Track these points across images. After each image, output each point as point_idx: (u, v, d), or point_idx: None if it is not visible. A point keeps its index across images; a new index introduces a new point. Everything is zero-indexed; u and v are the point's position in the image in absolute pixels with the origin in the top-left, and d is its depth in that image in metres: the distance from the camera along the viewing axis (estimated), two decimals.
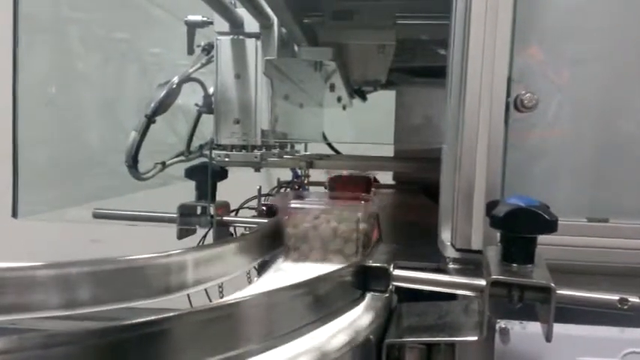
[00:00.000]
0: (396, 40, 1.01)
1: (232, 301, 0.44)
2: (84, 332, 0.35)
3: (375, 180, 1.38)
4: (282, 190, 1.44)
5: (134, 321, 0.37)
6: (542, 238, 0.58)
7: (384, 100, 1.71)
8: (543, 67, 0.68)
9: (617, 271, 0.67)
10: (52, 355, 0.33)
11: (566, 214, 0.66)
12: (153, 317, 0.38)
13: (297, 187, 1.45)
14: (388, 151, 1.65)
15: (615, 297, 0.53)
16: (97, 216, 1.02)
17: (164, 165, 1.23)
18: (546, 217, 0.54)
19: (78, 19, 1.62)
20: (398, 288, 0.64)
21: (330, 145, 1.60)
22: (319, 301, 0.52)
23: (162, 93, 1.14)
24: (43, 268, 0.53)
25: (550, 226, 0.54)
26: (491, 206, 0.58)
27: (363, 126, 1.92)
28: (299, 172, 1.61)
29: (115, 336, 0.36)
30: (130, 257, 0.57)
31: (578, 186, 0.69)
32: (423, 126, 1.60)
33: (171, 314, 0.39)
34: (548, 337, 0.53)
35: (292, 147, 1.58)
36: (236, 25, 1.09)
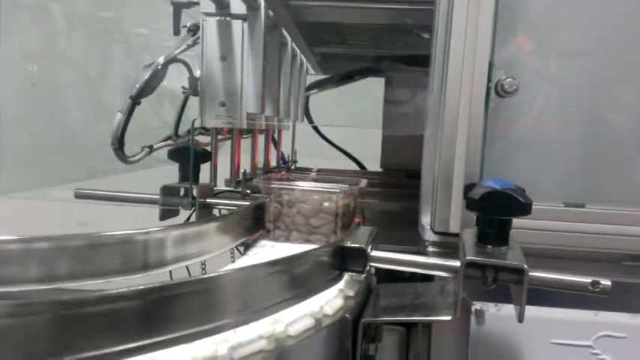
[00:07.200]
0: (384, 25, 1.01)
1: (206, 276, 0.44)
2: (52, 302, 0.35)
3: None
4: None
5: (107, 292, 0.37)
6: (519, 222, 0.59)
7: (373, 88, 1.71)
8: (525, 54, 0.69)
9: (594, 257, 0.69)
10: (20, 324, 0.33)
11: (546, 200, 0.67)
12: (125, 290, 0.38)
13: (283, 172, 1.45)
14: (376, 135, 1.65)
15: (587, 279, 0.54)
16: (78, 196, 1.01)
17: (151, 148, 1.22)
18: (521, 199, 0.54)
19: None
20: (378, 270, 0.64)
21: (315, 128, 1.60)
22: (295, 279, 0.52)
23: (148, 74, 1.12)
24: (19, 242, 0.53)
25: (524, 209, 0.55)
26: (468, 189, 0.59)
27: (352, 112, 1.92)
28: (286, 157, 1.61)
29: (88, 308, 0.36)
30: (108, 233, 0.57)
31: (557, 172, 0.70)
32: (411, 113, 1.62)
33: (144, 287, 0.39)
34: (520, 318, 0.54)
35: (279, 132, 1.57)
36: (222, 7, 1.07)
